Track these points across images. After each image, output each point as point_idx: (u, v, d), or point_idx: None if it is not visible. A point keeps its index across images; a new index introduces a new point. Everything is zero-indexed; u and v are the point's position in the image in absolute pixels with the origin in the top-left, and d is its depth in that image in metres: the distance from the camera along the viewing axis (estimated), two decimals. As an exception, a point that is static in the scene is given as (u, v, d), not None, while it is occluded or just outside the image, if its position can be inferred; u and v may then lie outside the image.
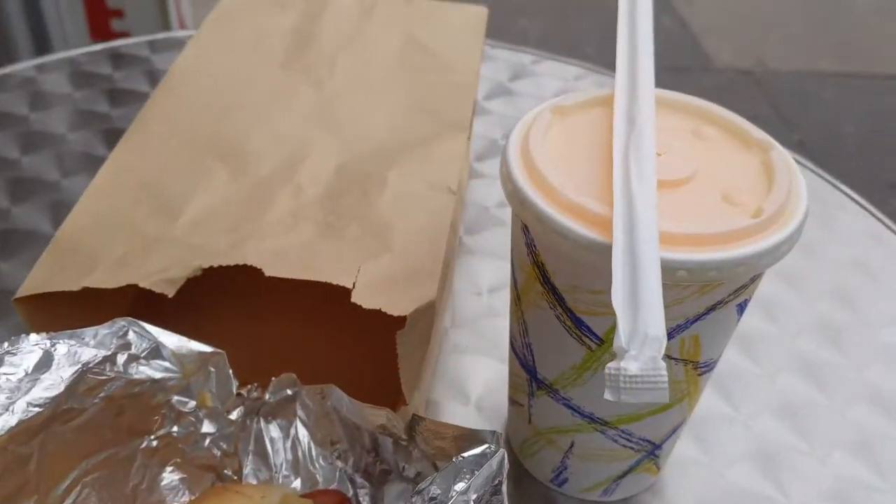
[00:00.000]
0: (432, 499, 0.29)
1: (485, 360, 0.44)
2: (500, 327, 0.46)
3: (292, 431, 0.35)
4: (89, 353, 0.32)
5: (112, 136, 0.58)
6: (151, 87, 0.63)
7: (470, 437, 0.30)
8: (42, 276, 0.33)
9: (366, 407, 0.32)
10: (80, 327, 0.32)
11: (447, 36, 0.50)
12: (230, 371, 0.34)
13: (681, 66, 2.60)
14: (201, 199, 0.37)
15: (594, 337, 0.31)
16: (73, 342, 0.32)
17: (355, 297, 0.31)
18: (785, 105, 2.44)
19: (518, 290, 0.34)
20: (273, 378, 0.35)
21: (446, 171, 0.39)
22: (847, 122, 2.38)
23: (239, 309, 0.41)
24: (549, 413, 0.35)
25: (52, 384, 0.31)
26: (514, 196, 0.30)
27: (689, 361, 0.32)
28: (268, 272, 0.32)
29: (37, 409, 0.30)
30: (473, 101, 0.45)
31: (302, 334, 0.40)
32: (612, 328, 0.30)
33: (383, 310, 0.31)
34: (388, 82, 0.46)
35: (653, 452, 0.35)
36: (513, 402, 0.38)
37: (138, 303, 0.39)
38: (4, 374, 0.30)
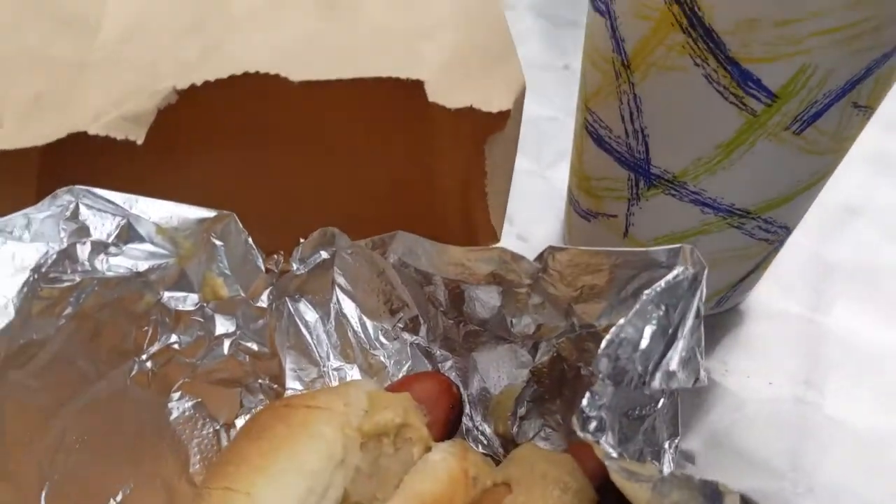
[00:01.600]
0: (623, 358, 0.19)
1: None
2: None
3: (333, 307, 0.25)
4: (32, 252, 0.20)
5: None
6: None
7: (644, 261, 0.21)
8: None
9: (459, 250, 0.23)
10: None
11: None
12: (248, 238, 0.23)
13: None
14: (116, 9, 0.24)
15: (764, 93, 0.22)
16: (15, 239, 0.20)
17: (433, 95, 0.21)
18: None
19: (627, 54, 0.24)
20: (301, 239, 0.24)
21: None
22: None
23: (218, 155, 0.28)
24: (663, 216, 0.27)
25: (-5, 309, 0.19)
26: None
27: (868, 109, 0.24)
28: (294, 77, 0.21)
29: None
30: None
31: (310, 175, 0.28)
32: (798, 75, 0.22)
33: (475, 107, 0.21)
34: None
35: (783, 242, 0.28)
36: (591, 214, 0.29)
37: (47, 180, 0.26)
38: None
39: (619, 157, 0.26)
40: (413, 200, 0.27)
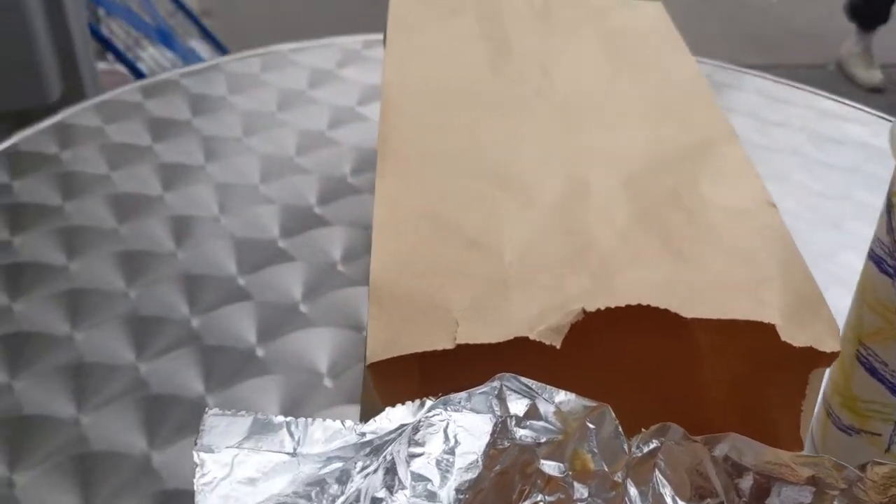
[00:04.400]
0: None
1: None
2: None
3: (651, 486, 0.31)
4: (483, 422, 0.27)
5: (165, 172, 0.52)
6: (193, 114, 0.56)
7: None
8: (390, 335, 0.28)
9: (788, 454, 0.29)
10: (421, 395, 0.27)
11: (640, 32, 0.47)
12: (618, 425, 0.29)
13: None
14: (509, 233, 0.32)
15: None
16: (457, 411, 0.27)
17: (784, 335, 0.28)
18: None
19: (913, 309, 0.31)
20: (643, 429, 0.30)
21: (753, 181, 0.36)
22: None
23: (601, 362, 0.35)
24: (927, 439, 0.32)
25: (471, 464, 0.26)
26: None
27: None
28: (685, 314, 0.28)
29: (462, 498, 0.25)
30: (714, 100, 0.42)
31: (666, 390, 0.35)
32: None
33: (814, 346, 0.28)
34: (610, 87, 0.42)
35: None
36: (853, 430, 0.35)
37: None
38: (416, 455, 0.25)
39: (891, 387, 0.32)
40: (742, 416, 0.33)
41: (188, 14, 1.88)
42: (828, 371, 0.37)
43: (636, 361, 0.31)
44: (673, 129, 0.39)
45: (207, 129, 0.54)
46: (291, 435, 0.26)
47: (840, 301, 0.35)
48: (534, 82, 0.42)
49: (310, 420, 0.26)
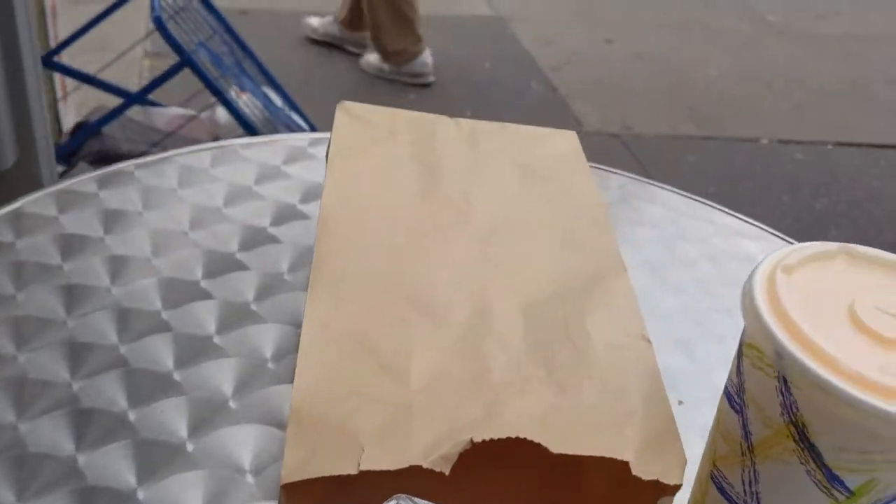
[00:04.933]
0: None
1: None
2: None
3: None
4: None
5: (113, 264, 0.55)
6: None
7: None
8: (304, 457, 0.33)
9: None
10: None
11: (554, 162, 0.52)
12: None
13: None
14: (418, 357, 0.37)
15: (845, 490, 0.34)
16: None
17: (636, 471, 0.33)
18: (652, 167, 2.60)
19: (752, 443, 0.36)
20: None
21: (633, 317, 0.41)
22: (709, 184, 2.56)
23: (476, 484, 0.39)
24: (765, 551, 0.37)
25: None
26: (786, 361, 0.32)
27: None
28: (553, 449, 0.33)
29: None
30: (613, 233, 0.47)
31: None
32: (867, 484, 0.33)
33: (660, 480, 0.33)
34: (524, 214, 0.48)
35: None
36: (707, 535, 0.40)
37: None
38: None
39: (735, 502, 0.38)
40: None
41: (258, 63, 1.92)
42: (692, 485, 0.42)
43: (517, 483, 0.36)
44: (572, 258, 0.45)
45: (156, 221, 0.59)
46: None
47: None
48: (457, 209, 0.47)
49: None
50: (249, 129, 1.63)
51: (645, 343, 0.40)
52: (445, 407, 0.35)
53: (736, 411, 0.37)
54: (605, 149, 2.63)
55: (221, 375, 0.48)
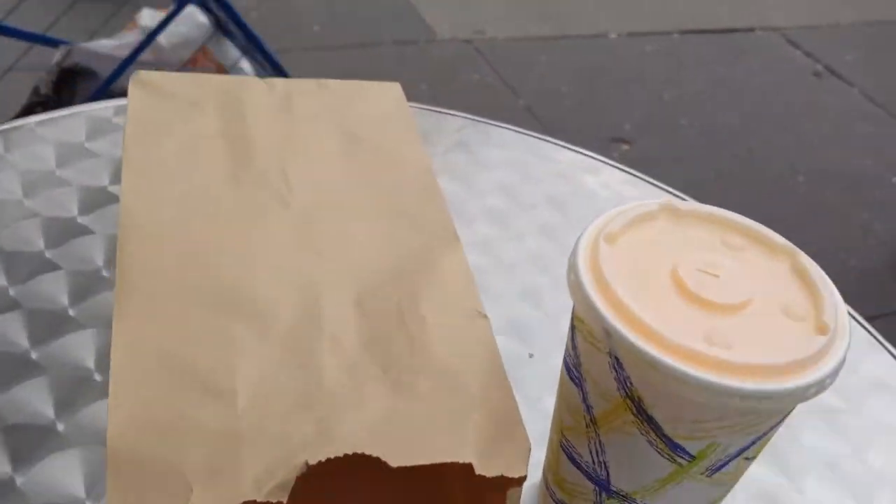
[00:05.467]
0: None
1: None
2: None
3: None
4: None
5: None
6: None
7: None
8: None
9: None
10: None
11: (378, 123, 0.49)
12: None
13: (407, 40, 2.66)
14: (244, 373, 0.34)
15: (687, 455, 0.33)
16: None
17: (479, 469, 0.31)
18: (506, 72, 2.59)
19: (594, 416, 0.35)
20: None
21: (468, 292, 0.39)
22: (562, 83, 2.57)
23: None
24: (617, 516, 0.37)
25: None
26: (615, 340, 0.31)
27: (753, 458, 0.35)
28: (392, 462, 0.31)
29: None
30: (443, 199, 0.45)
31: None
32: (708, 447, 0.33)
33: (505, 475, 0.31)
34: (348, 189, 0.44)
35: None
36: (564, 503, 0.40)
37: None
38: None
39: (587, 475, 0.37)
40: None
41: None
42: (546, 448, 0.42)
43: (368, 497, 0.35)
44: (403, 234, 0.42)
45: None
46: None
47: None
48: (273, 189, 0.43)
49: None
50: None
51: (481, 320, 0.38)
52: (275, 428, 0.32)
53: (576, 384, 0.36)
54: (460, 56, 2.59)
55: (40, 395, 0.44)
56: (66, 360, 0.46)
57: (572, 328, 0.36)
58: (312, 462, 0.31)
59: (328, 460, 0.31)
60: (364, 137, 0.48)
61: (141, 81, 0.48)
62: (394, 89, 0.53)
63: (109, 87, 1.54)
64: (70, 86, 1.59)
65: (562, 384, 0.38)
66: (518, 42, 2.75)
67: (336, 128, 0.48)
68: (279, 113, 0.49)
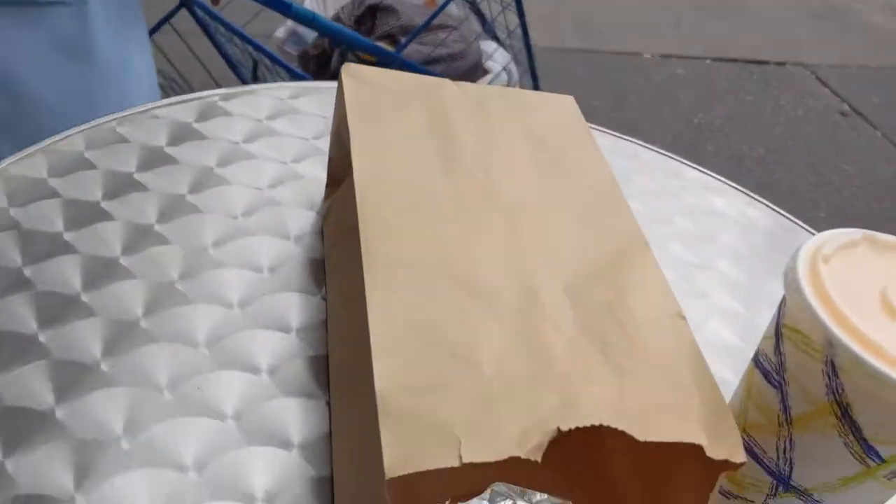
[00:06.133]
0: None
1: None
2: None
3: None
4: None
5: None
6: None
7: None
8: (404, 450, 0.34)
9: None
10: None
11: (561, 131, 0.54)
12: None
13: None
14: (485, 345, 0.39)
15: (878, 459, 0.38)
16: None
17: (710, 452, 0.36)
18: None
19: (790, 415, 0.39)
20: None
21: (666, 294, 0.44)
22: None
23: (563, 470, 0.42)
24: (790, 509, 0.42)
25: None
26: (837, 350, 0.35)
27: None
28: (640, 437, 0.35)
29: None
30: (629, 207, 0.49)
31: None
32: (898, 453, 0.37)
33: (729, 459, 0.36)
34: (542, 188, 0.49)
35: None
36: (731, 495, 0.44)
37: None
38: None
39: (766, 468, 0.42)
40: None
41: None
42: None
43: (592, 466, 0.39)
44: (596, 236, 0.46)
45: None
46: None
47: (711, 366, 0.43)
48: (479, 183, 0.48)
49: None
50: None
51: (681, 321, 0.43)
52: (522, 396, 0.37)
53: (774, 387, 0.40)
54: (497, 61, 2.63)
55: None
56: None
57: (778, 336, 0.40)
58: (564, 429, 0.35)
59: (577, 429, 0.35)
60: (550, 143, 0.52)
61: (352, 73, 0.52)
62: (569, 101, 0.57)
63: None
64: (371, 19, 1.64)
65: (752, 386, 0.42)
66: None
67: (525, 132, 0.53)
68: (474, 113, 0.53)
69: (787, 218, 0.70)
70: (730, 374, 0.55)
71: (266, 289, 0.52)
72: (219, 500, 0.41)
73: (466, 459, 0.34)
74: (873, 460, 0.38)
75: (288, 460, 0.44)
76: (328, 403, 0.47)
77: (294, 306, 0.51)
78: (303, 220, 0.57)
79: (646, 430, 0.36)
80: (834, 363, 0.36)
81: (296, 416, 0.46)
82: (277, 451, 0.44)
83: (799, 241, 0.64)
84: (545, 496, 0.35)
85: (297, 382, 0.47)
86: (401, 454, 0.34)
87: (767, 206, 0.70)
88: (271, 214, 0.57)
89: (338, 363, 0.47)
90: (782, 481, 0.41)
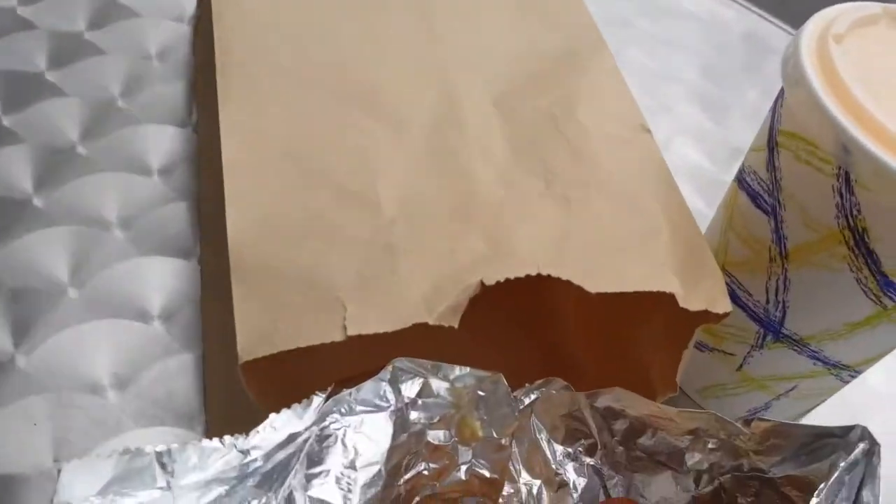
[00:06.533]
0: None
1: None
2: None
3: (528, 435, 0.31)
4: (382, 421, 0.24)
5: None
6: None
7: (826, 436, 0.27)
8: (264, 324, 0.24)
9: (674, 410, 0.28)
10: (304, 388, 0.25)
11: None
12: (510, 392, 0.28)
13: None
14: (384, 174, 0.28)
15: (896, 297, 0.29)
16: (351, 413, 0.24)
17: (683, 302, 0.26)
18: None
19: (786, 247, 0.30)
20: (527, 384, 0.29)
21: (627, 102, 0.34)
22: None
23: (489, 330, 0.32)
24: (779, 362, 0.33)
25: (373, 476, 0.23)
26: (855, 157, 0.26)
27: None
28: (590, 288, 0.26)
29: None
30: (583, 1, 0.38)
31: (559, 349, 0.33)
32: (923, 288, 0.29)
33: (709, 310, 0.27)
34: None
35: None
36: (707, 348, 0.36)
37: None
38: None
39: (752, 315, 0.33)
40: (619, 367, 0.32)
41: None
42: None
43: (525, 322, 0.30)
44: (536, 28, 0.36)
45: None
46: (163, 466, 0.22)
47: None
48: None
49: (182, 446, 0.22)
50: None
51: (646, 134, 0.33)
52: (436, 240, 0.27)
53: (765, 212, 0.31)
54: None
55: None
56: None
57: (772, 147, 0.31)
58: (489, 282, 0.26)
59: (508, 281, 0.26)
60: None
61: None
62: None
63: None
64: None
65: (734, 212, 0.33)
66: None
67: None
68: None
69: (765, 18, 0.59)
70: (699, 201, 0.46)
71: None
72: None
73: (353, 331, 0.24)
74: (891, 299, 0.29)
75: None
76: (199, 261, 0.37)
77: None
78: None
79: (599, 279, 0.26)
80: (848, 176, 0.27)
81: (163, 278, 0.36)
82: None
83: (780, 46, 0.54)
84: (466, 370, 0.26)
85: (162, 245, 0.37)
86: (260, 328, 0.24)
87: (742, 4, 0.59)
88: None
89: (207, 210, 0.37)
90: (772, 329, 0.33)
